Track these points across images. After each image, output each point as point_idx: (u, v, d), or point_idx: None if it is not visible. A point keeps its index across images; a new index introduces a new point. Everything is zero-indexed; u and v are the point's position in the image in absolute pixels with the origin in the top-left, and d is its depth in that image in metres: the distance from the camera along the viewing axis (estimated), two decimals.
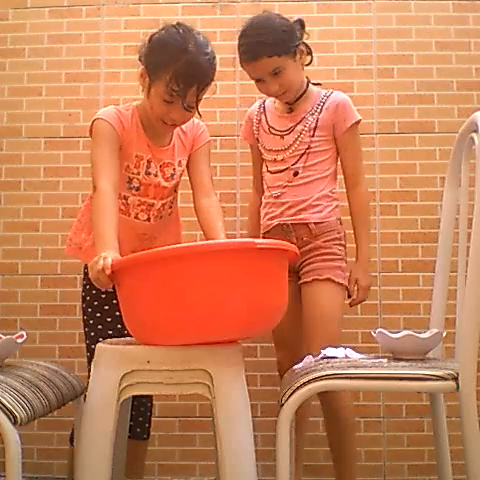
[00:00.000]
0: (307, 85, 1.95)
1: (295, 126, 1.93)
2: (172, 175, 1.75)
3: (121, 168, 1.68)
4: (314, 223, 1.88)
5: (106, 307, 1.76)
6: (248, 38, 1.84)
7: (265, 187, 1.98)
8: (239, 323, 1.34)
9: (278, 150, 1.93)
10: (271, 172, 1.95)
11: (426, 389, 1.44)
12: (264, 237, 1.94)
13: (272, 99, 2.00)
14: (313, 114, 1.92)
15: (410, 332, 1.47)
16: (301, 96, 1.94)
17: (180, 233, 1.91)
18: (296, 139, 1.91)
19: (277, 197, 1.92)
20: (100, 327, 1.76)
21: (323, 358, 1.54)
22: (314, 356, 1.56)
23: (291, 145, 1.91)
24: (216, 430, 1.35)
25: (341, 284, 1.86)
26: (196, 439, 2.26)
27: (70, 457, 1.78)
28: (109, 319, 1.75)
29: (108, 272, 1.39)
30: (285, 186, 1.90)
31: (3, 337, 1.43)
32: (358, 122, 1.92)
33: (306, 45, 1.90)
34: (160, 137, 1.75)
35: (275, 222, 1.91)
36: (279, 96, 1.91)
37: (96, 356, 1.43)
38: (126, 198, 1.72)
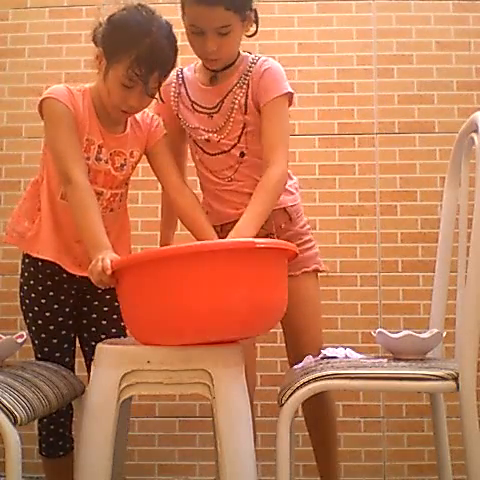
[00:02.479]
0: (237, 54, 1.71)
1: (222, 102, 1.68)
2: (122, 165, 1.63)
3: None
4: (290, 206, 1.72)
5: (43, 300, 1.67)
6: None
7: (201, 170, 1.74)
8: (238, 323, 1.34)
9: (208, 130, 1.69)
10: (210, 154, 1.71)
11: (426, 389, 1.45)
12: (224, 228, 1.70)
13: (192, 67, 1.76)
14: (241, 87, 1.67)
15: (410, 332, 1.47)
16: (229, 66, 1.69)
17: (130, 229, 1.77)
18: (228, 119, 1.67)
19: (229, 181, 1.70)
20: (40, 322, 1.67)
21: (323, 358, 1.54)
22: (313, 356, 1.56)
23: (223, 127, 1.68)
24: (216, 430, 1.35)
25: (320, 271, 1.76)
26: (196, 439, 2.26)
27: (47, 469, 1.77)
28: (48, 314, 1.67)
29: (109, 273, 1.37)
30: (236, 169, 1.70)
31: (3, 337, 1.43)
32: (285, 95, 1.66)
33: (256, 13, 1.66)
34: (113, 124, 1.64)
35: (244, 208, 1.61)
36: (209, 60, 1.65)
37: (96, 356, 1.43)
38: None
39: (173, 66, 1.60)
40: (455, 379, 1.33)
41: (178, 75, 1.76)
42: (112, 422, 1.34)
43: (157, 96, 1.61)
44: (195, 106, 1.72)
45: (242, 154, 1.70)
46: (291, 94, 1.68)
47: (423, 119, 2.34)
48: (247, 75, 1.68)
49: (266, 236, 1.66)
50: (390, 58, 2.37)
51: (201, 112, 1.71)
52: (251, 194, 1.62)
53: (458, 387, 1.32)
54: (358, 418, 2.21)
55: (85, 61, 2.38)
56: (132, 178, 1.74)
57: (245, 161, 1.70)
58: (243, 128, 1.68)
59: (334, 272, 2.25)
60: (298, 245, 1.63)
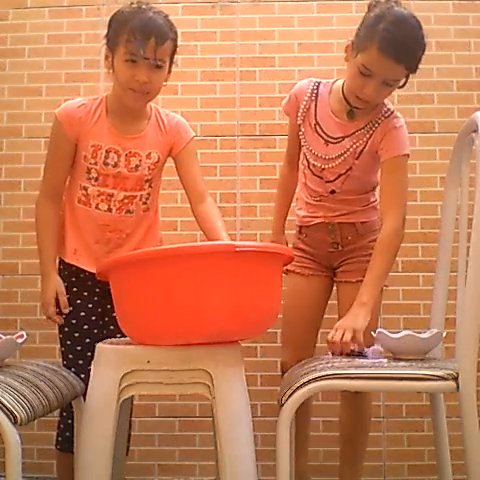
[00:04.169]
0: None
1: (343, 139, 1.76)
2: (137, 166, 1.68)
3: (80, 159, 1.68)
4: (361, 222, 1.81)
5: (70, 308, 1.72)
6: (405, 36, 1.58)
7: (303, 180, 1.85)
8: (218, 326, 1.33)
9: (316, 155, 1.78)
10: (313, 173, 1.81)
11: (426, 389, 1.44)
12: (300, 231, 1.87)
13: (328, 85, 1.81)
14: (365, 134, 1.74)
15: (410, 332, 1.47)
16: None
17: (158, 232, 1.82)
18: (340, 155, 1.76)
19: (317, 201, 1.82)
20: (67, 329, 1.72)
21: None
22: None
23: (333, 159, 1.77)
24: (216, 430, 1.35)
25: None
26: (196, 439, 2.26)
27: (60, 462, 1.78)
28: (74, 321, 1.72)
29: (66, 311, 1.68)
30: (323, 196, 1.80)
31: (3, 337, 1.43)
32: (405, 156, 1.72)
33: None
34: (128, 125, 1.69)
35: (318, 220, 1.82)
36: (360, 100, 1.69)
37: (96, 356, 1.43)
38: (86, 188, 1.69)
39: (171, 36, 1.63)
40: (455, 379, 1.33)
41: (313, 90, 1.82)
42: (112, 422, 1.34)
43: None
44: (317, 127, 1.79)
45: (333, 191, 1.80)
46: (408, 155, 1.74)
47: (423, 119, 2.34)
48: (374, 125, 1.74)
49: (332, 245, 1.83)
50: None
51: (320, 135, 1.78)
52: (329, 211, 1.79)
53: (458, 387, 1.32)
54: None
55: (85, 61, 2.38)
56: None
57: (334, 196, 1.80)
58: (348, 170, 1.77)
59: None
60: (359, 255, 1.80)
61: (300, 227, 1.88)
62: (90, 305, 1.73)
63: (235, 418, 1.36)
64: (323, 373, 1.35)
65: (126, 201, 1.69)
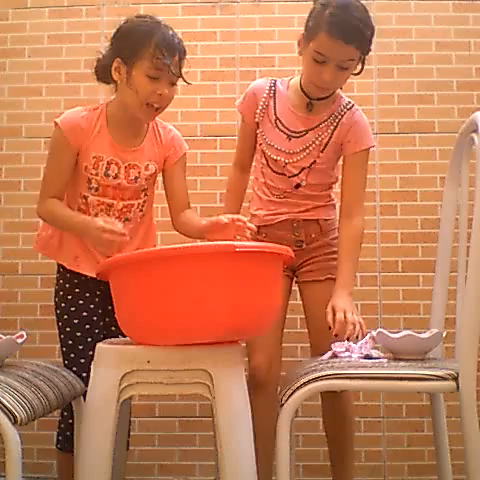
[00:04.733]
0: None
1: (306, 132, 1.78)
2: (136, 178, 1.73)
3: (81, 169, 1.70)
4: (324, 219, 1.83)
5: (72, 308, 1.74)
6: (350, 16, 1.63)
7: (261, 180, 1.84)
8: (219, 325, 1.33)
9: (280, 150, 1.79)
10: (273, 171, 1.81)
11: (426, 389, 1.45)
12: (259, 232, 1.81)
13: (285, 83, 1.84)
14: (329, 126, 1.78)
15: (410, 332, 1.47)
16: (326, 97, 1.79)
17: (154, 236, 1.86)
18: (304, 149, 1.78)
19: (280, 198, 1.82)
20: (68, 329, 1.73)
21: (335, 356, 1.53)
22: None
23: (297, 153, 1.78)
24: (216, 430, 1.35)
25: None
26: (196, 439, 2.26)
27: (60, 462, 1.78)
28: (76, 321, 1.73)
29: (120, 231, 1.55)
30: (287, 192, 1.81)
31: (3, 337, 1.43)
32: (369, 149, 1.79)
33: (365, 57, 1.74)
34: (128, 138, 1.73)
35: (283, 217, 1.81)
36: (319, 87, 1.73)
37: (96, 356, 1.44)
38: (86, 198, 1.72)
39: (186, 52, 1.68)
40: (455, 379, 1.33)
41: (271, 87, 1.83)
42: (112, 422, 1.34)
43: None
44: (278, 123, 1.80)
45: (298, 186, 1.80)
46: (373, 147, 1.81)
47: (423, 119, 2.34)
48: (337, 117, 1.78)
49: (296, 243, 1.81)
50: (390, 58, 2.37)
51: (282, 131, 1.79)
52: (293, 207, 1.79)
53: (458, 387, 1.32)
54: (358, 418, 2.20)
55: (85, 61, 2.38)
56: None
57: (299, 192, 1.80)
58: (312, 163, 1.78)
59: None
60: (324, 254, 1.82)
61: (259, 227, 1.82)
62: (92, 306, 1.74)
63: (235, 418, 1.36)
64: (323, 373, 1.35)
65: (124, 210, 1.74)
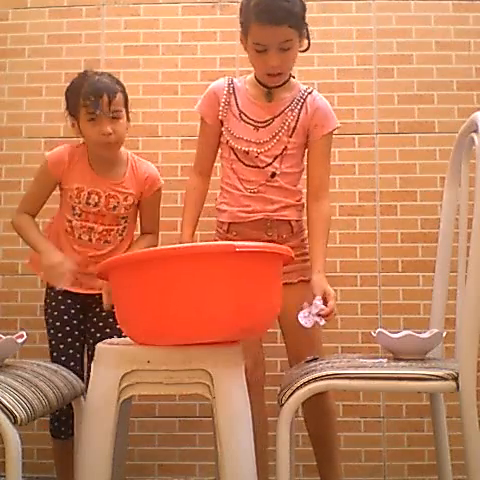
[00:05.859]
0: (290, 74, 1.83)
1: (273, 120, 1.79)
2: (115, 207, 1.94)
3: (66, 197, 1.95)
4: (295, 220, 1.82)
5: (57, 323, 1.94)
6: (273, 0, 1.66)
7: (233, 175, 1.82)
8: (220, 326, 1.33)
9: (250, 141, 1.78)
10: (245, 164, 1.80)
11: (426, 389, 1.45)
12: (229, 230, 1.81)
13: (242, 79, 1.87)
14: (293, 110, 1.80)
15: (410, 332, 1.47)
16: (283, 84, 1.81)
17: None
18: (274, 137, 1.78)
19: (255, 192, 1.79)
20: (69, 339, 1.93)
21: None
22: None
23: (267, 142, 1.78)
24: (216, 430, 1.36)
25: None
26: (196, 439, 2.26)
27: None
28: (58, 323, 1.95)
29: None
30: (262, 184, 1.78)
31: (3, 337, 1.44)
32: (333, 131, 1.82)
33: (307, 29, 1.76)
34: (108, 170, 1.95)
35: (258, 216, 1.78)
36: (272, 75, 1.76)
37: (96, 356, 1.44)
38: (71, 221, 1.95)
39: (120, 90, 1.89)
40: (455, 379, 1.33)
41: (229, 84, 1.86)
42: (112, 422, 1.34)
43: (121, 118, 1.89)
44: (243, 116, 1.82)
45: (273, 175, 1.79)
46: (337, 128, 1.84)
47: (423, 119, 2.34)
48: (300, 101, 1.81)
49: (268, 242, 1.70)
50: (390, 58, 2.37)
51: (248, 123, 1.81)
52: (267, 203, 1.77)
53: (458, 387, 1.33)
54: (358, 418, 2.21)
55: (85, 61, 2.38)
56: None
57: (274, 182, 1.79)
58: (284, 149, 1.79)
59: (334, 272, 2.25)
60: (297, 256, 1.74)
61: (229, 224, 1.82)
62: (75, 321, 1.95)
63: (235, 418, 1.36)
64: (323, 373, 1.36)
65: (104, 233, 1.95)
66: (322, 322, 1.61)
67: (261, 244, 1.46)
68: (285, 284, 1.73)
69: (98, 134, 1.85)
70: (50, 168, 1.94)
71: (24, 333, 1.49)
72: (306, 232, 1.84)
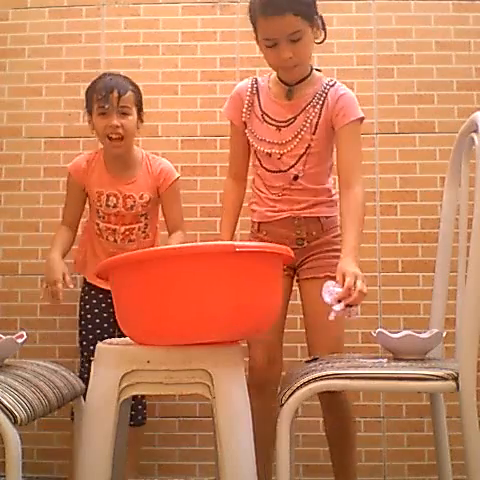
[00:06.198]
0: (311, 68, 1.79)
1: (295, 118, 1.76)
2: (132, 206, 2.05)
3: (92, 203, 2.08)
4: (325, 217, 1.80)
5: (89, 316, 2.09)
6: None
7: (259, 181, 1.83)
8: (219, 325, 1.33)
9: (272, 143, 1.77)
10: (268, 170, 1.80)
11: (426, 389, 1.45)
12: (259, 229, 1.83)
13: (266, 78, 1.84)
14: (315, 106, 1.76)
15: (410, 332, 1.47)
16: (304, 79, 1.77)
17: None
18: (296, 136, 1.75)
19: (280, 196, 1.79)
20: (98, 331, 2.06)
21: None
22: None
23: (290, 141, 1.76)
24: (216, 430, 1.35)
25: None
26: (196, 439, 2.26)
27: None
28: (106, 325, 2.08)
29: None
30: (286, 188, 1.78)
31: (3, 337, 1.43)
32: (360, 120, 1.76)
33: (322, 20, 1.72)
34: (123, 172, 2.06)
35: (285, 214, 1.78)
36: (287, 68, 1.72)
37: (96, 356, 1.43)
38: (98, 224, 2.07)
39: (132, 89, 2.01)
40: (455, 379, 1.33)
41: (253, 84, 1.83)
42: (112, 422, 1.34)
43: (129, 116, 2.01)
44: (265, 117, 1.79)
45: (296, 177, 1.77)
46: (363, 119, 1.77)
47: (423, 119, 2.34)
48: (322, 96, 1.76)
49: (298, 241, 1.80)
50: (390, 58, 2.37)
51: (270, 124, 1.78)
52: (293, 204, 1.77)
53: (458, 387, 1.32)
54: (358, 418, 2.20)
55: (85, 61, 2.39)
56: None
57: (297, 184, 1.78)
58: (307, 148, 1.76)
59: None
60: (325, 251, 1.79)
61: (259, 224, 1.83)
62: (105, 314, 2.07)
63: (235, 418, 1.36)
64: (323, 373, 1.35)
65: (127, 233, 2.06)
66: (352, 313, 1.53)
67: (261, 244, 1.46)
68: (311, 278, 1.79)
69: (105, 127, 1.97)
70: (73, 176, 2.07)
71: (24, 333, 1.49)
72: (339, 230, 1.80)
